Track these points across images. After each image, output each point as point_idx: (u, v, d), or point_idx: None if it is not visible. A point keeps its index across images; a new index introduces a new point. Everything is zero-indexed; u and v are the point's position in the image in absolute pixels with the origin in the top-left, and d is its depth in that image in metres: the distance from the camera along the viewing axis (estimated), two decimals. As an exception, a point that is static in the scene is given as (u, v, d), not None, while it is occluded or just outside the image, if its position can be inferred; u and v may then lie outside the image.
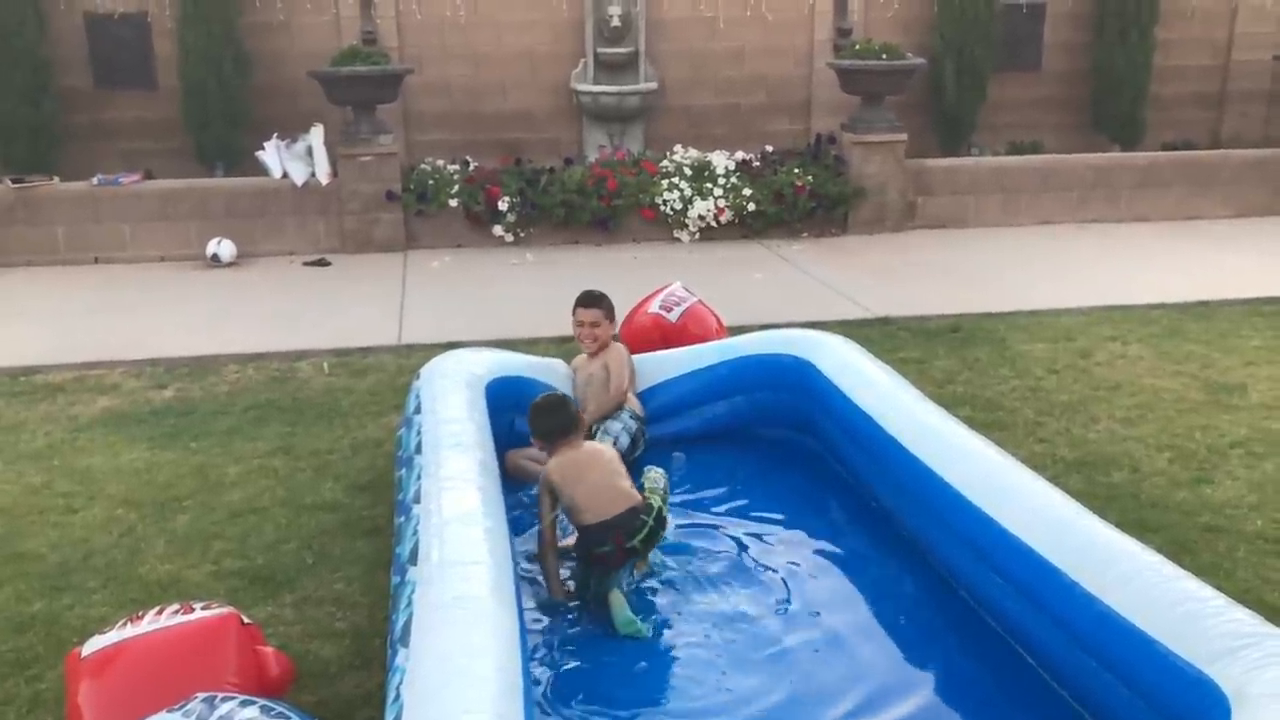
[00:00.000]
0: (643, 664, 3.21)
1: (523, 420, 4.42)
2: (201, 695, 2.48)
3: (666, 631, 3.38)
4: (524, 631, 2.71)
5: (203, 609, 2.86)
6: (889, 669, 3.19)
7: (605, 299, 4.68)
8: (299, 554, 3.92)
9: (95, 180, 8.40)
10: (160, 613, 2.84)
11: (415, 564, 2.88)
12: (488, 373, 4.35)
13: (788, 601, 3.51)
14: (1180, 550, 3.82)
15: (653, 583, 3.62)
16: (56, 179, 8.42)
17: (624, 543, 3.42)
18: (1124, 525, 3.85)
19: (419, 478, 3.37)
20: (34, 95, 8.55)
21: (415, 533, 3.04)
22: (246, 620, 2.90)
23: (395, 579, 3.09)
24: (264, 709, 2.45)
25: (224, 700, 2.46)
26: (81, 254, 8.33)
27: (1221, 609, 2.57)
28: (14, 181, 8.28)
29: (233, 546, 3.98)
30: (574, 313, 4.67)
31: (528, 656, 2.61)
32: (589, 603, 3.48)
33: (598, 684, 3.10)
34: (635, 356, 4.76)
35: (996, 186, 9.37)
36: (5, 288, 7.71)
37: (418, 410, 3.99)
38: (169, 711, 2.43)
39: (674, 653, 3.27)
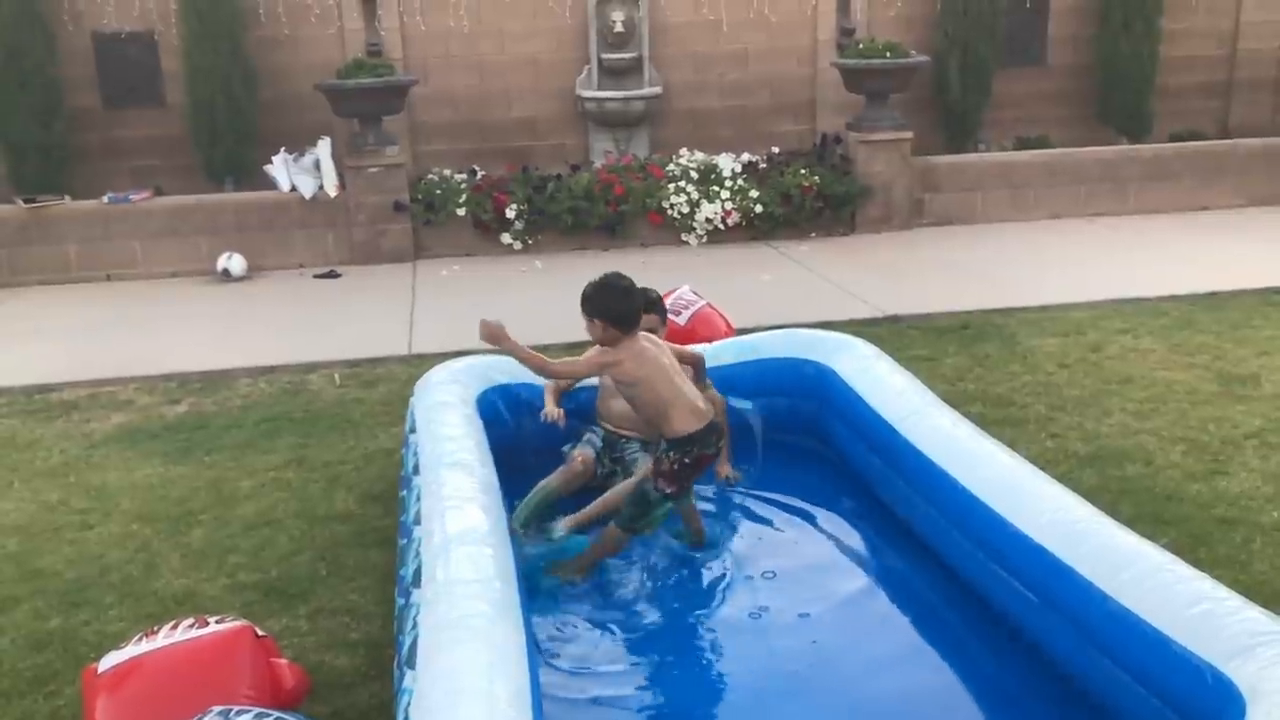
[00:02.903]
0: (653, 670, 3.21)
1: (530, 421, 4.44)
2: (217, 709, 2.50)
3: (677, 635, 3.38)
4: (533, 647, 2.70)
5: (217, 623, 2.88)
6: (906, 669, 3.19)
7: (658, 304, 4.52)
8: (313, 565, 3.94)
9: (106, 198, 8.46)
10: (175, 627, 2.86)
11: (419, 586, 2.87)
12: (479, 383, 4.32)
13: (802, 604, 3.50)
14: (1196, 543, 3.80)
15: (663, 584, 3.62)
16: (68, 198, 8.48)
17: (706, 452, 3.52)
18: (1138, 519, 3.87)
19: (418, 499, 3.36)
20: (44, 115, 8.61)
21: (418, 554, 3.03)
22: (261, 633, 2.92)
23: (400, 601, 3.10)
24: (279, 721, 2.46)
25: (239, 713, 2.48)
26: (94, 271, 8.39)
27: (1237, 608, 2.57)
28: (26, 201, 8.34)
29: (247, 559, 4.00)
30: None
31: (537, 672, 2.60)
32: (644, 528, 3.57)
33: (605, 688, 3.10)
34: None
35: (1003, 182, 9.34)
36: (19, 306, 7.77)
37: (413, 429, 3.98)
38: (185, 725, 2.45)
39: (686, 658, 3.27)
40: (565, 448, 4.32)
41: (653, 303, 4.43)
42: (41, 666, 3.39)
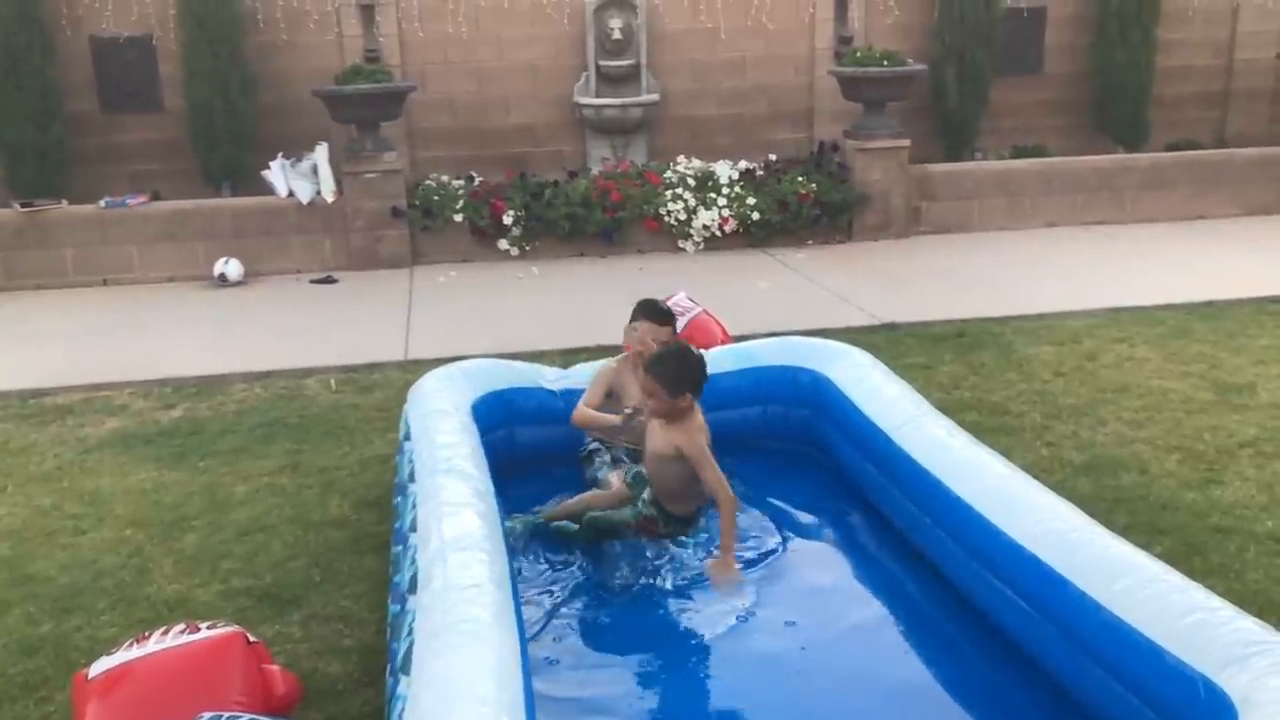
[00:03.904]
0: (646, 676, 3.20)
1: (522, 431, 4.44)
2: (207, 715, 2.49)
3: (674, 641, 3.37)
4: (526, 654, 2.68)
5: (208, 628, 2.87)
6: (898, 679, 3.18)
7: (673, 318, 4.46)
8: (307, 571, 3.93)
9: (103, 202, 8.46)
10: (166, 633, 2.85)
11: (415, 592, 2.85)
12: (473, 389, 4.30)
13: (792, 611, 3.49)
14: (1190, 552, 3.80)
15: (655, 591, 3.62)
16: (65, 202, 8.48)
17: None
18: (1133, 528, 3.87)
19: (414, 506, 3.34)
20: (41, 119, 8.60)
21: (413, 561, 3.02)
22: (252, 639, 2.91)
23: (395, 608, 3.08)
24: (269, 728, 2.46)
25: (230, 720, 2.47)
26: (90, 276, 8.38)
27: (1230, 618, 2.56)
28: (23, 205, 8.34)
29: (240, 565, 3.99)
30: (638, 326, 4.30)
31: (531, 678, 2.59)
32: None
33: (599, 694, 3.10)
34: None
35: (1000, 190, 9.36)
36: (16, 310, 7.76)
37: (408, 436, 3.96)
38: (175, 732, 2.44)
39: (677, 663, 3.27)
40: (599, 474, 4.20)
41: (670, 316, 4.38)
42: (33, 672, 3.37)
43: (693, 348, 3.68)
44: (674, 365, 3.53)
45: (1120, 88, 9.96)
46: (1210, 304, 6.87)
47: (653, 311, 4.34)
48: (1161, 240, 8.83)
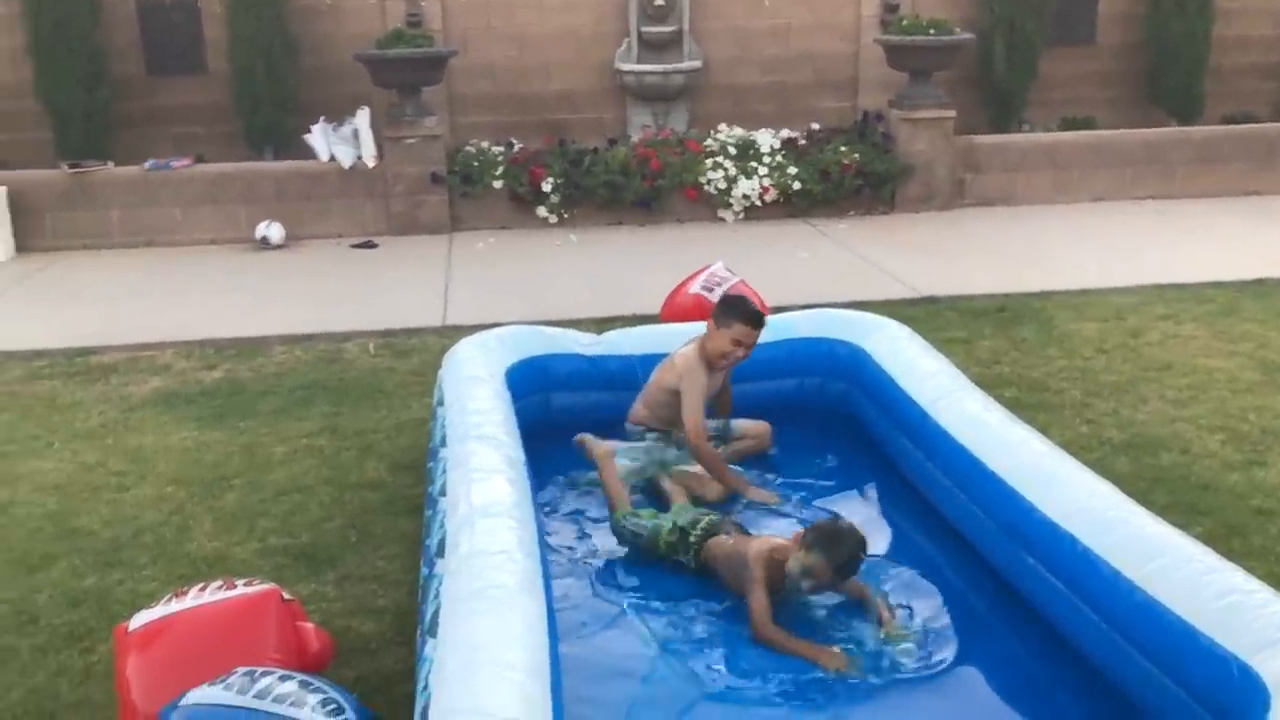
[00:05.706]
0: (675, 643, 3.21)
1: (557, 397, 4.45)
2: (243, 669, 2.54)
3: (702, 604, 3.37)
4: (553, 619, 2.70)
5: (245, 585, 2.92)
6: (930, 656, 3.16)
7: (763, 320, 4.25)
8: (342, 532, 3.99)
9: (148, 165, 8.55)
10: (204, 588, 2.90)
11: (443, 556, 2.88)
12: (508, 356, 4.31)
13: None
14: (1230, 534, 3.75)
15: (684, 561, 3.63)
16: (111, 164, 8.59)
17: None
18: (1173, 508, 3.82)
19: (444, 471, 3.37)
20: (89, 82, 8.72)
21: (442, 525, 3.05)
22: (287, 596, 2.96)
23: (424, 570, 3.12)
24: (303, 683, 2.50)
25: (264, 674, 2.51)
26: (135, 237, 8.50)
27: (1266, 600, 2.52)
28: (70, 167, 8.46)
29: (278, 524, 4.06)
30: (731, 326, 4.05)
31: (557, 644, 2.61)
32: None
33: (625, 661, 3.11)
34: (684, 327, 4.55)
35: (1048, 163, 9.19)
36: (62, 271, 7.90)
37: (441, 402, 3.99)
38: (211, 684, 2.49)
39: (707, 632, 3.27)
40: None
41: (763, 319, 4.18)
42: (77, 623, 3.46)
43: (856, 529, 3.28)
44: (846, 552, 3.22)
45: (1175, 58, 9.71)
46: (1260, 282, 6.72)
47: (748, 314, 4.07)
48: (1212, 216, 8.63)
